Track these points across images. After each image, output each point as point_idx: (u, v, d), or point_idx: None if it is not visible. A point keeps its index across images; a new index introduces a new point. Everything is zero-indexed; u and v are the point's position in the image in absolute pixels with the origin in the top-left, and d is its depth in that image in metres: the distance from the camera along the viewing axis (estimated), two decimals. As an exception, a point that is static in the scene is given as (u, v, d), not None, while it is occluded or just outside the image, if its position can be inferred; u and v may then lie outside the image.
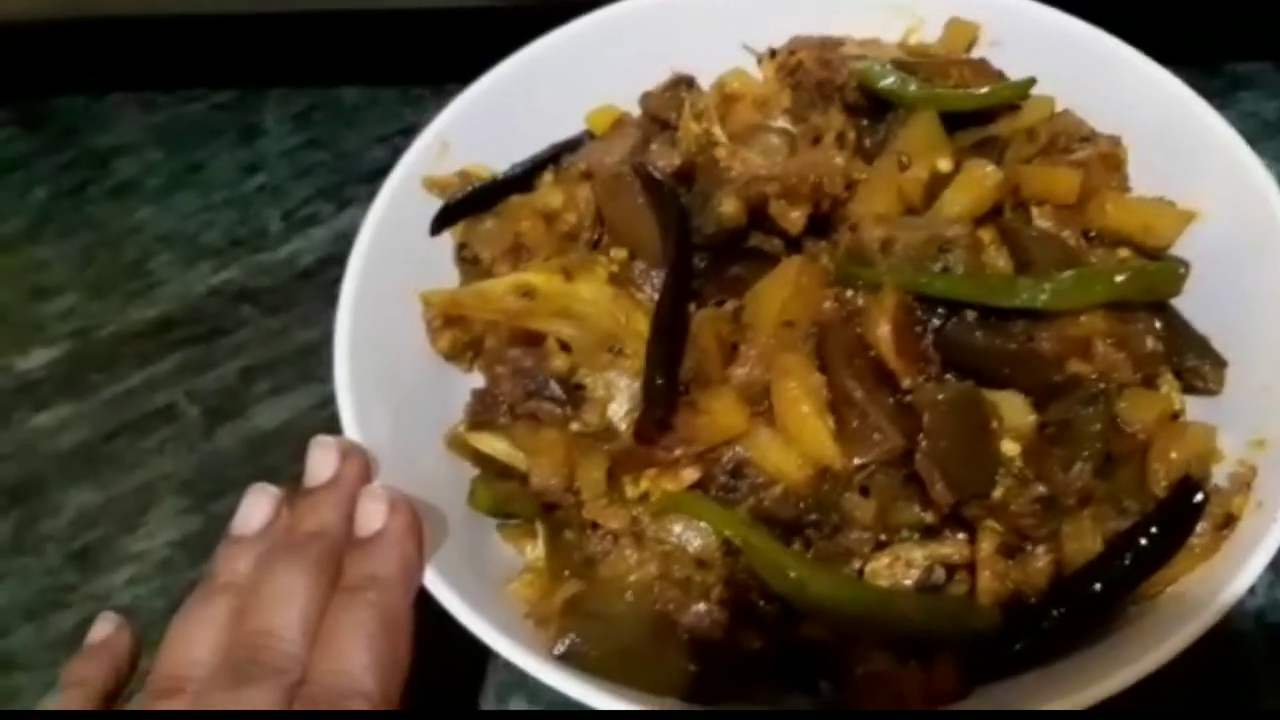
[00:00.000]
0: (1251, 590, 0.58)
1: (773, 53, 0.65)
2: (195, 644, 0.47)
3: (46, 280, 0.82)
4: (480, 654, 0.49)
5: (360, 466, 0.52)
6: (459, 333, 0.61)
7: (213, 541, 0.67)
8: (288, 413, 0.72)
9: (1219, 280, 0.58)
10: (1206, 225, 0.59)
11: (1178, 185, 0.60)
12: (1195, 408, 0.56)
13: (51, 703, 0.48)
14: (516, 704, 0.59)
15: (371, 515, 0.50)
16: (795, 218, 0.56)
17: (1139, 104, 0.62)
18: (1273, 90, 0.80)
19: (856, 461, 0.50)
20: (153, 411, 0.74)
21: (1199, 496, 0.49)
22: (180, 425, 0.73)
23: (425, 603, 0.50)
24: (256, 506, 0.52)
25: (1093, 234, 0.58)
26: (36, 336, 0.79)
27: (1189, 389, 0.56)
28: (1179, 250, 0.60)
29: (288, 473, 0.58)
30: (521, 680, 0.54)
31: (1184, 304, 0.58)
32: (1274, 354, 0.53)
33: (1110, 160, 0.60)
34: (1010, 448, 0.51)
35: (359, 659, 0.45)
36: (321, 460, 0.52)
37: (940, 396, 0.50)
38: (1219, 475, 0.53)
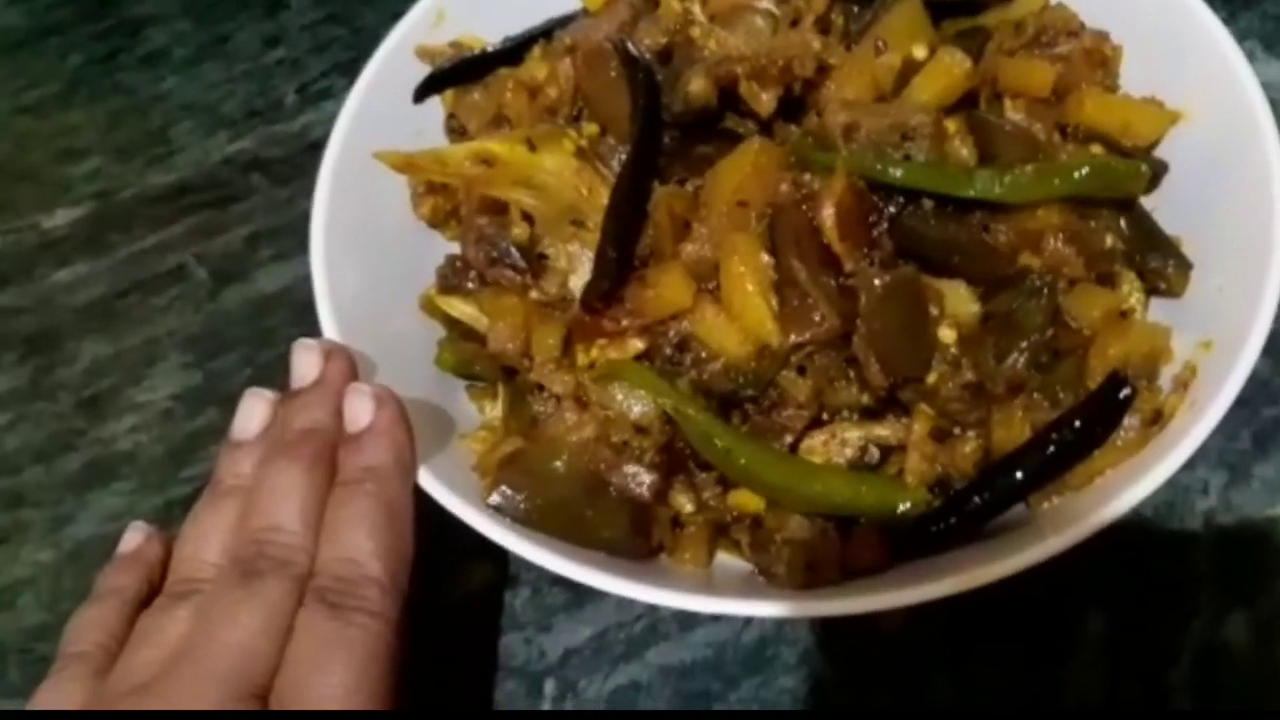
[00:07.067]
0: (1204, 491, 0.59)
1: (759, -67, 0.64)
2: (205, 547, 0.49)
3: (75, 143, 0.85)
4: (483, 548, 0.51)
5: (344, 364, 0.53)
6: (441, 200, 0.62)
7: (210, 396, 0.71)
8: (288, 278, 0.75)
9: (1198, 184, 0.57)
10: (1192, 128, 0.58)
11: (1169, 88, 0.59)
12: (1158, 310, 0.56)
13: (90, 612, 0.49)
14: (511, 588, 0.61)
15: (359, 411, 0.51)
16: (765, 99, 0.56)
17: (1136, 3, 0.61)
18: (1297, -7, 0.76)
19: (794, 340, 0.51)
20: (164, 272, 0.77)
21: (1126, 391, 0.49)
22: (189, 285, 0.77)
23: (424, 500, 0.51)
24: (253, 410, 0.53)
25: (1069, 129, 0.57)
26: (63, 197, 0.82)
27: (1152, 290, 0.56)
28: (1162, 152, 0.59)
29: (285, 334, 0.60)
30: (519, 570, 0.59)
31: (1160, 206, 0.58)
32: (1233, 256, 0.53)
33: (1094, 56, 0.58)
34: (947, 334, 0.51)
35: (365, 547, 0.46)
36: (306, 362, 0.53)
37: (878, 280, 0.50)
38: (1165, 376, 0.53)
